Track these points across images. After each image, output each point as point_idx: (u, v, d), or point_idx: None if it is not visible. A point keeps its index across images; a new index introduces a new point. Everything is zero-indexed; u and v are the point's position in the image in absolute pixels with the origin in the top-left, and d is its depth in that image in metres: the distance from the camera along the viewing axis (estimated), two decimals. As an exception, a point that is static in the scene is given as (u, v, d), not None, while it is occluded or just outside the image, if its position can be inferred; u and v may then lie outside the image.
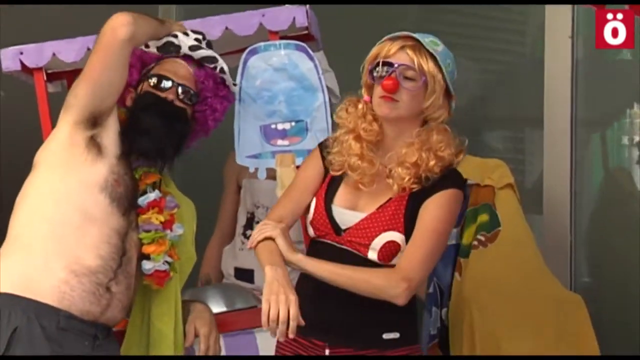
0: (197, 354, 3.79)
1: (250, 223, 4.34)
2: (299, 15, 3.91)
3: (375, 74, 3.36)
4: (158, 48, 3.66)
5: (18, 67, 4.13)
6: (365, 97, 3.46)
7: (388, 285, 3.27)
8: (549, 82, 4.52)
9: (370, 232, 3.44)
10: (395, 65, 3.32)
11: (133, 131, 3.54)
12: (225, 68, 3.72)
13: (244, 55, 3.91)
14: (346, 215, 3.48)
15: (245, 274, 4.25)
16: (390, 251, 3.39)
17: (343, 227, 3.46)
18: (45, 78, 4.10)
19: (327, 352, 3.46)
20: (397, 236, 3.39)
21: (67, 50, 4.03)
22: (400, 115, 3.37)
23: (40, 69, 4.07)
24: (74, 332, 3.38)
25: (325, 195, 3.50)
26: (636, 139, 4.74)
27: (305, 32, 3.97)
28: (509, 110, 4.95)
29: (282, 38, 3.95)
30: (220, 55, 4.03)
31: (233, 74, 3.92)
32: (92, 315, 3.40)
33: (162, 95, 3.57)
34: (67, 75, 4.26)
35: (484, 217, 3.99)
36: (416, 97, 3.34)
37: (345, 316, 3.43)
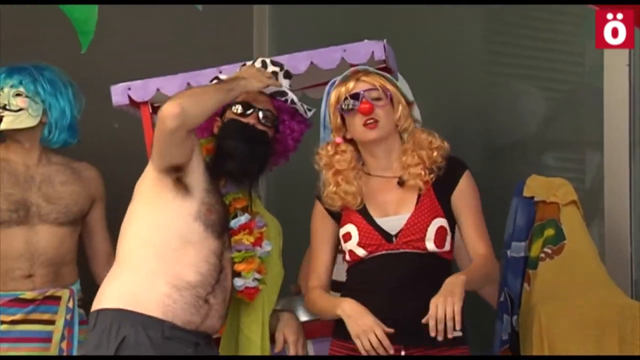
0: None
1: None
2: (377, 49, 3.92)
3: (345, 108, 3.49)
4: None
5: (126, 101, 4.17)
6: (337, 139, 3.58)
7: (493, 268, 3.43)
8: (608, 108, 4.46)
9: (421, 225, 3.47)
10: (362, 92, 3.44)
11: (220, 156, 3.58)
12: (295, 99, 3.72)
13: (327, 87, 3.85)
14: (391, 221, 3.50)
15: (339, 286, 4.16)
16: (442, 236, 3.46)
17: (393, 233, 3.47)
18: (150, 111, 4.12)
19: (402, 353, 3.42)
20: (442, 221, 3.46)
21: (169, 86, 4.05)
22: (384, 133, 3.47)
23: (145, 102, 4.11)
24: (178, 340, 3.42)
25: (362, 215, 3.52)
26: None
27: (384, 65, 3.95)
28: (571, 133, 4.88)
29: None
30: (305, 88, 4.22)
31: (318, 105, 3.88)
32: (193, 325, 3.43)
33: (245, 120, 3.59)
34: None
35: (550, 232, 3.96)
36: (389, 113, 3.48)
37: (417, 319, 3.37)
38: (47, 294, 4.08)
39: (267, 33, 5.47)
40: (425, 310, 3.34)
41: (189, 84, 3.94)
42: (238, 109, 3.60)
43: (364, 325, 3.33)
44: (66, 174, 4.11)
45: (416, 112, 3.72)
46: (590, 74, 4.70)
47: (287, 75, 3.72)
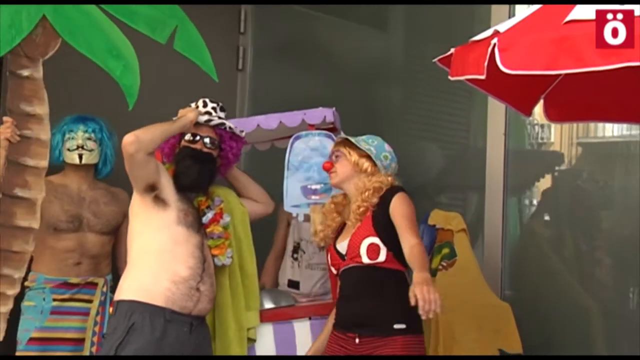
0: None
1: (296, 249, 4.23)
2: (328, 114, 3.96)
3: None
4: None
5: None
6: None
7: (424, 251, 3.29)
8: (489, 163, 4.42)
9: (356, 245, 3.44)
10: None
11: (178, 174, 3.58)
12: (232, 125, 3.70)
13: (291, 140, 3.95)
14: (340, 246, 3.53)
15: (294, 284, 4.17)
16: (375, 250, 3.40)
17: (343, 253, 3.51)
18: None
19: (357, 340, 3.40)
20: (374, 239, 3.40)
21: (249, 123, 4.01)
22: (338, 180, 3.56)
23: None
24: (176, 322, 3.41)
25: (332, 244, 3.58)
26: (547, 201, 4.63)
27: (332, 125, 4.02)
28: (461, 180, 4.81)
29: (316, 129, 3.97)
30: (274, 140, 4.32)
31: (283, 153, 3.96)
32: (187, 309, 3.43)
33: (194, 146, 3.60)
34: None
35: (446, 250, 4.00)
36: (344, 164, 3.55)
37: (369, 313, 3.40)
38: (88, 280, 4.07)
39: (246, 98, 5.43)
40: (373, 310, 3.37)
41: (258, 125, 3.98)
42: (189, 138, 3.61)
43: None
44: (107, 196, 4.09)
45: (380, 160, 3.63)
46: (476, 138, 4.64)
47: (222, 109, 3.73)
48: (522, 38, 2.64)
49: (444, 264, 3.98)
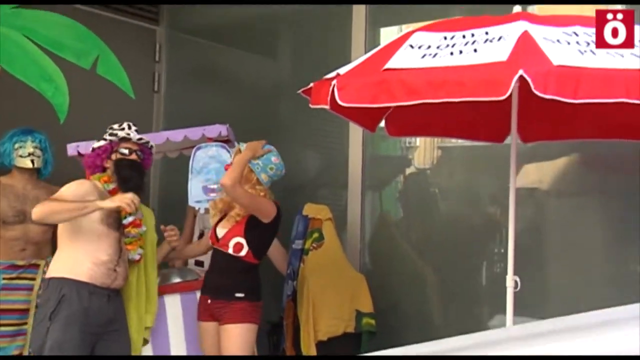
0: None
1: (201, 235, 4.34)
2: (223, 130, 4.16)
3: None
4: (120, 138, 3.73)
5: (75, 153, 4.29)
6: None
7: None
8: (350, 167, 4.66)
9: (228, 239, 3.73)
10: None
11: (122, 180, 3.64)
12: (152, 143, 3.80)
13: (194, 149, 4.16)
14: (219, 230, 3.77)
15: (199, 263, 4.33)
16: (239, 247, 3.73)
17: (219, 237, 3.75)
18: None
19: (209, 301, 3.73)
20: (241, 239, 3.73)
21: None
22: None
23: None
24: (97, 294, 3.53)
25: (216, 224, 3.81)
26: (397, 195, 4.94)
27: (227, 138, 4.21)
28: (330, 179, 5.02)
29: (214, 141, 4.17)
30: (182, 149, 4.52)
31: (187, 159, 4.17)
32: (106, 285, 3.56)
33: (130, 157, 3.69)
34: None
35: (316, 235, 4.23)
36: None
37: (218, 282, 3.73)
38: (32, 262, 4.15)
39: (161, 115, 5.59)
40: (221, 278, 3.70)
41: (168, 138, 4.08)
42: (124, 152, 3.69)
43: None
44: (48, 194, 3.98)
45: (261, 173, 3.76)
46: (343, 146, 4.79)
47: (137, 131, 3.78)
48: (354, 80, 3.11)
49: (314, 245, 4.21)
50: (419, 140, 4.78)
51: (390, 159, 4.90)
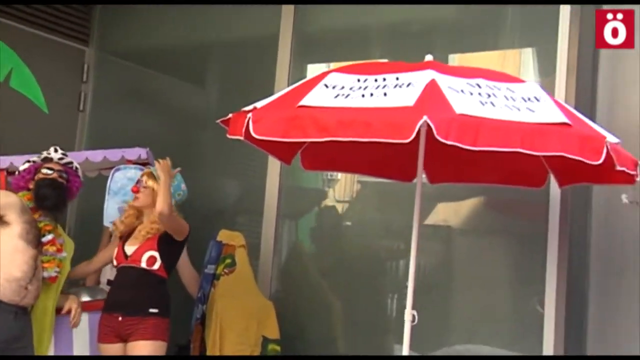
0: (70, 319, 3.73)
1: None
2: (143, 153, 4.18)
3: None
4: (43, 159, 3.77)
5: None
6: None
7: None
8: (267, 196, 4.63)
9: (140, 253, 3.77)
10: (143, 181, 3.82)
11: (40, 198, 3.67)
12: (77, 165, 3.83)
13: (112, 170, 4.13)
14: (128, 248, 3.80)
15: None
16: (152, 261, 3.77)
17: (128, 254, 3.78)
18: (5, 174, 4.04)
19: (120, 319, 3.69)
20: (154, 253, 3.78)
21: (16, 162, 3.99)
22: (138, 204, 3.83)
23: (2, 170, 4.07)
24: (3, 310, 3.47)
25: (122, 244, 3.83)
26: (312, 226, 4.91)
27: (146, 161, 4.20)
28: (246, 206, 5.00)
29: (133, 163, 4.15)
30: (99, 169, 4.43)
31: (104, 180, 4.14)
32: (14, 302, 3.50)
33: (51, 177, 3.71)
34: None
35: (228, 261, 4.19)
36: (147, 195, 3.83)
37: (131, 297, 3.72)
38: None
39: (85, 134, 5.52)
40: (134, 295, 3.69)
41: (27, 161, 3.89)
42: (46, 172, 3.71)
43: None
44: None
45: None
46: (262, 176, 4.75)
47: (64, 154, 3.84)
48: (269, 114, 3.15)
49: (226, 271, 4.18)
50: (340, 174, 4.82)
51: (309, 190, 4.92)
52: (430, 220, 4.36)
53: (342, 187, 4.90)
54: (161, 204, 3.60)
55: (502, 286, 4.16)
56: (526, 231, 4.09)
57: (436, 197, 4.31)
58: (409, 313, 3.38)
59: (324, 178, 4.88)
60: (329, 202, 4.87)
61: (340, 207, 4.86)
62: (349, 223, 4.82)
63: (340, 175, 4.86)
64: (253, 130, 3.04)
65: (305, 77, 4.44)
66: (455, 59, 4.44)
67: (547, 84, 3.98)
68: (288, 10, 4.73)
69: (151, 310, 3.69)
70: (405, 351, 3.38)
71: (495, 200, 4.29)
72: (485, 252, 4.24)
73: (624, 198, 3.56)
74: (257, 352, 4.07)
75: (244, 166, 5.00)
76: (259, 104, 3.22)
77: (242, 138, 3.17)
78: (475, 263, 4.27)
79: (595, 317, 3.89)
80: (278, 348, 4.10)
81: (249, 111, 3.17)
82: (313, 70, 4.85)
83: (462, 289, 4.32)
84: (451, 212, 4.43)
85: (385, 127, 2.81)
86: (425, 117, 2.76)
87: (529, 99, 3.07)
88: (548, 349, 3.79)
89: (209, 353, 4.03)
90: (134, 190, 3.87)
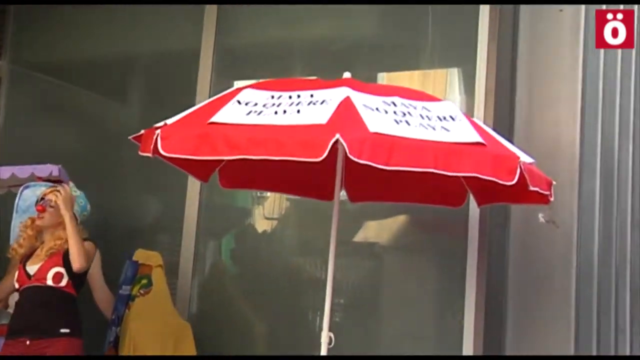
0: None
1: None
2: (55, 170, 4.11)
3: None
4: None
5: None
6: None
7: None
8: (187, 213, 4.49)
9: (45, 270, 3.69)
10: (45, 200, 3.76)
11: None
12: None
13: (21, 188, 4.08)
14: (30, 268, 3.72)
15: None
16: (58, 277, 3.70)
17: (31, 274, 3.69)
18: None
19: (27, 343, 3.58)
20: (60, 269, 3.70)
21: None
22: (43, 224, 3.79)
23: None
24: None
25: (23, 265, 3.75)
26: (233, 245, 4.76)
27: (58, 178, 4.12)
28: (169, 225, 4.82)
29: (44, 181, 4.08)
30: (9, 186, 4.34)
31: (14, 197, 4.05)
32: None
33: None
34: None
35: (144, 281, 4.13)
36: (53, 215, 3.78)
37: (39, 318, 3.62)
38: None
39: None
40: (42, 317, 3.59)
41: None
42: None
43: None
44: None
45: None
46: (181, 195, 4.62)
47: None
48: (178, 131, 3.04)
49: (142, 292, 4.12)
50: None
51: (233, 208, 4.81)
52: (353, 237, 4.35)
53: (269, 205, 4.77)
54: (78, 261, 3.58)
55: (423, 303, 4.18)
56: (446, 248, 4.11)
57: (360, 215, 4.32)
58: (325, 335, 3.28)
59: (252, 195, 4.78)
60: (253, 220, 4.78)
61: (265, 225, 4.77)
62: (273, 241, 4.71)
63: (267, 192, 4.74)
64: (162, 147, 2.93)
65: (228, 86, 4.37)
66: (377, 78, 4.44)
67: (469, 103, 3.99)
68: (210, 24, 4.68)
69: (62, 330, 3.57)
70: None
71: (417, 218, 4.29)
72: (407, 269, 4.26)
73: (541, 217, 3.55)
74: (172, 375, 4.00)
75: (163, 183, 4.81)
76: (170, 120, 3.11)
77: (151, 155, 3.02)
78: (397, 280, 4.28)
79: (514, 330, 3.94)
80: (195, 370, 4.04)
81: (158, 127, 3.04)
82: (234, 85, 4.71)
83: (383, 305, 4.32)
84: (374, 230, 4.41)
85: (297, 146, 2.73)
86: (337, 135, 2.68)
87: (444, 117, 3.02)
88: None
89: (122, 377, 3.95)
90: (39, 209, 3.76)
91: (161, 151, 2.96)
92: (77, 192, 3.91)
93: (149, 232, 4.88)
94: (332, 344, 3.29)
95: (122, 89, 5.29)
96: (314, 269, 4.48)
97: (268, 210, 4.78)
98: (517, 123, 4.02)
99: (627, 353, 4.43)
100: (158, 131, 3.00)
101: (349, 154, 2.72)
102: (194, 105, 4.27)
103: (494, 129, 3.51)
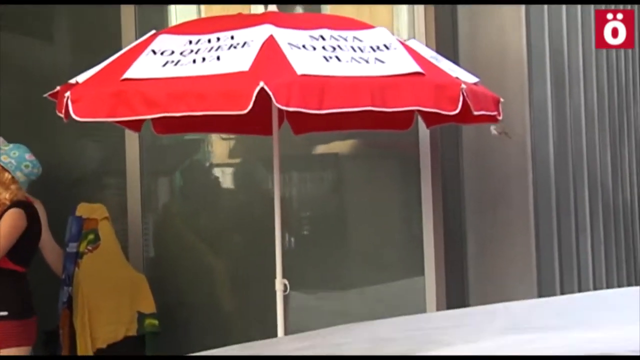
0: None
1: None
2: None
3: None
4: None
5: None
6: None
7: None
8: (129, 154, 4.27)
9: None
10: None
11: None
12: None
13: None
14: None
15: None
16: None
17: None
18: None
19: None
20: None
21: None
22: None
23: None
24: None
25: None
26: (181, 185, 4.59)
27: None
28: (111, 170, 4.55)
29: None
30: None
31: None
32: None
33: None
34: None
35: (91, 237, 3.97)
36: None
37: None
38: None
39: None
40: None
41: None
42: None
43: None
44: None
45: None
46: (119, 138, 4.33)
47: None
48: (90, 91, 2.76)
49: (90, 248, 3.96)
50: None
51: (174, 145, 4.51)
52: (301, 170, 4.27)
53: (214, 138, 4.49)
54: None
55: (380, 232, 4.12)
56: (399, 173, 4.03)
57: (308, 146, 4.18)
58: (279, 282, 3.15)
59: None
60: (198, 155, 4.58)
61: (212, 159, 4.59)
62: (222, 177, 4.54)
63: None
64: (74, 111, 2.70)
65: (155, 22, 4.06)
66: (326, 9, 4.12)
67: (410, 17, 3.80)
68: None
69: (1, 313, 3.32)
70: (280, 321, 3.18)
71: (366, 143, 4.17)
72: (360, 199, 4.17)
73: (493, 130, 3.38)
74: (133, 330, 3.89)
75: (99, 126, 4.38)
76: (81, 77, 2.82)
77: (65, 120, 2.75)
78: (352, 211, 4.24)
79: (475, 246, 3.92)
80: (155, 322, 3.92)
81: (70, 86, 2.76)
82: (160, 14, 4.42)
83: (340, 236, 4.24)
84: (322, 161, 4.35)
85: (219, 98, 2.51)
86: (262, 84, 2.43)
87: (378, 47, 2.77)
88: (430, 282, 3.83)
89: (78, 338, 3.82)
90: None
91: (73, 116, 2.67)
92: (8, 146, 3.61)
93: (93, 179, 4.64)
94: (287, 291, 3.19)
95: (49, 30, 4.93)
96: (264, 200, 4.25)
97: (213, 143, 4.57)
98: (461, 34, 3.79)
99: (588, 253, 4.43)
100: (68, 93, 2.70)
101: (275, 103, 2.47)
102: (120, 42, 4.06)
103: (437, 42, 3.27)
